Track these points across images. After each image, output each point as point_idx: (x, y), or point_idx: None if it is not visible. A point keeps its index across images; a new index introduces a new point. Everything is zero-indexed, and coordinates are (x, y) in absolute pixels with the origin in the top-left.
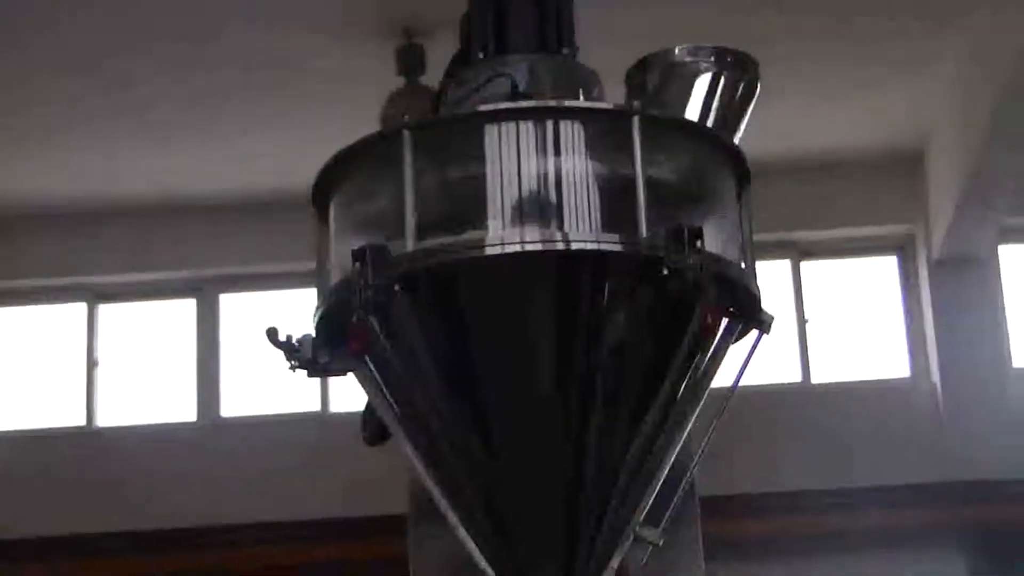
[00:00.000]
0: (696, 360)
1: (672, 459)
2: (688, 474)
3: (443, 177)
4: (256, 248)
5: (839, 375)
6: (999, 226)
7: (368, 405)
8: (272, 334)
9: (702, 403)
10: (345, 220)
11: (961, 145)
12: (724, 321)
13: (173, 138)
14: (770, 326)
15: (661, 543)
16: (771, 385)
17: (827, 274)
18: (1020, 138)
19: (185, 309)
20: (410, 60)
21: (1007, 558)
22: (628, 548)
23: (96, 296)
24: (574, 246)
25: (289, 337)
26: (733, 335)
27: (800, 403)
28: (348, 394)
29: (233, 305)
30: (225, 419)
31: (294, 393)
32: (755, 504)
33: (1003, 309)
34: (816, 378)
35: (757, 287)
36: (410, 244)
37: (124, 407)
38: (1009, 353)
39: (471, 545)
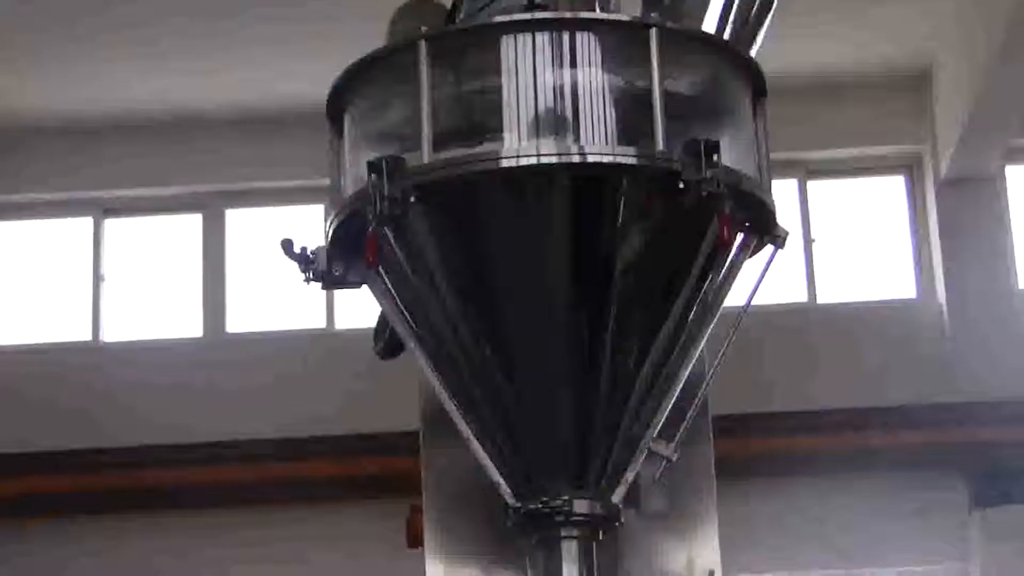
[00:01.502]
0: (711, 275)
1: (686, 375)
2: (702, 389)
3: (459, 89)
4: (261, 164)
5: (846, 295)
6: (1006, 146)
7: (380, 319)
8: (287, 245)
9: (716, 319)
10: (360, 132)
11: (968, 65)
12: (740, 235)
13: (178, 53)
14: (784, 241)
15: (675, 458)
16: (778, 305)
17: (834, 194)
18: None
19: (191, 225)
20: None
21: (1010, 478)
22: (642, 463)
23: (102, 211)
24: (590, 159)
25: (304, 249)
26: (748, 250)
27: (806, 323)
28: (353, 311)
29: (239, 221)
30: (231, 335)
31: (300, 311)
32: (761, 424)
33: (1010, 230)
34: (822, 298)
35: (772, 202)
36: (426, 156)
37: (130, 322)
38: (1016, 273)
39: (484, 459)
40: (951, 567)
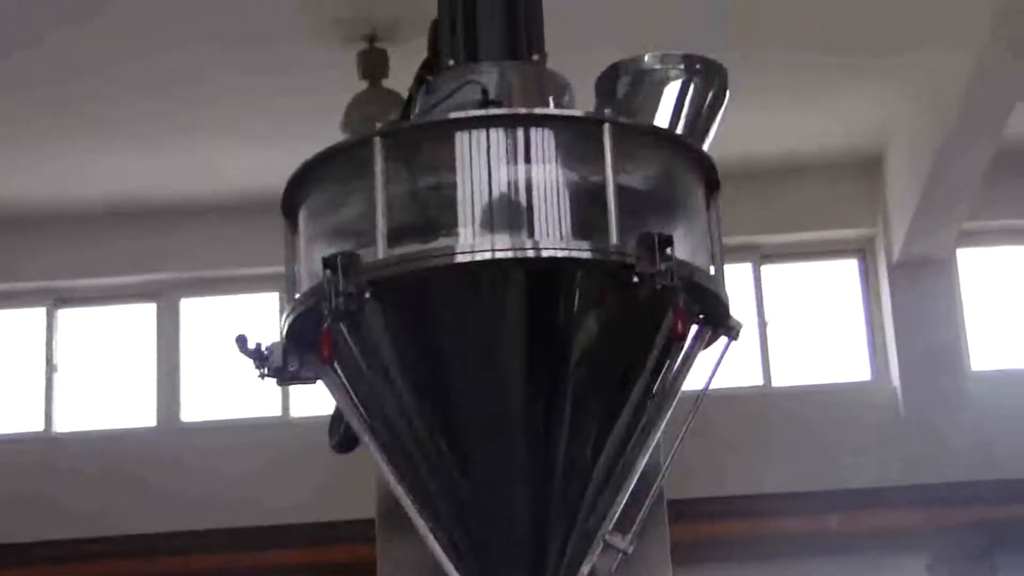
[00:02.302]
0: (666, 367)
1: (643, 465)
2: (658, 481)
3: (414, 184)
4: (216, 253)
5: (800, 378)
6: (958, 230)
7: (336, 413)
8: (242, 342)
9: (672, 408)
10: (315, 227)
11: (919, 149)
12: (694, 328)
13: (135, 143)
14: (739, 333)
15: (631, 551)
16: (732, 388)
17: (788, 277)
18: (976, 144)
19: (145, 314)
20: (373, 64)
21: (967, 560)
22: (597, 556)
23: (56, 300)
24: (544, 254)
25: (258, 345)
26: (702, 342)
27: (761, 406)
28: (310, 399)
29: (193, 310)
30: (185, 423)
31: (255, 398)
32: (717, 508)
33: (962, 312)
34: (777, 381)
35: (726, 294)
36: (381, 251)
37: (83, 412)
38: (968, 355)
39: (439, 552)
40: None
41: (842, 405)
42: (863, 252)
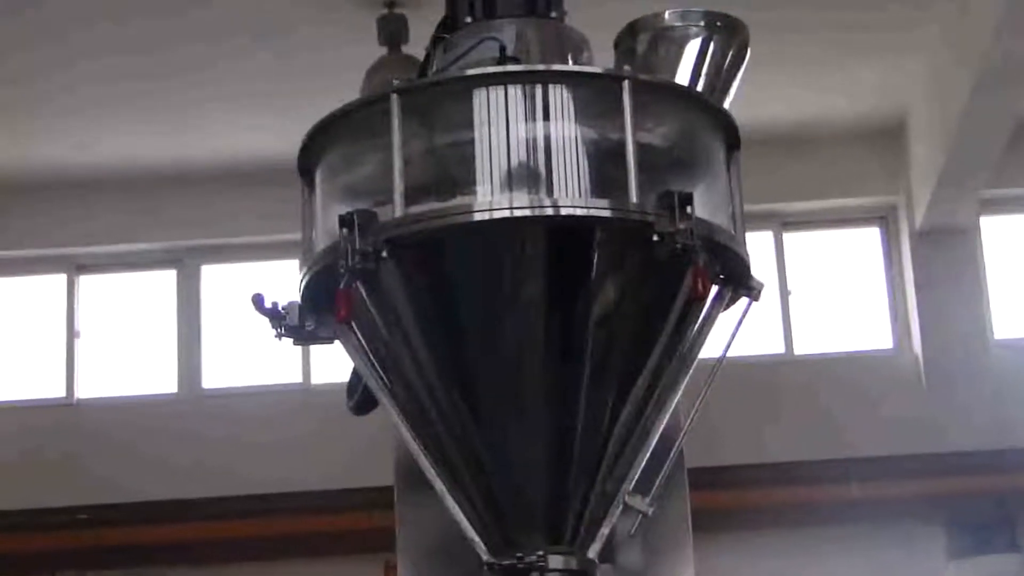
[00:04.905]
0: (685, 328)
1: (661, 428)
2: (677, 443)
3: (431, 142)
4: (238, 219)
5: (822, 347)
6: (981, 197)
7: (354, 374)
8: (258, 301)
9: (692, 371)
10: (332, 186)
11: (942, 117)
12: (714, 288)
13: (154, 108)
14: (759, 293)
15: (650, 512)
16: (754, 357)
17: (810, 245)
18: (998, 110)
19: (166, 281)
20: (392, 29)
21: (986, 529)
22: (617, 517)
23: (77, 267)
24: (563, 212)
25: (275, 304)
26: (723, 302)
27: (783, 375)
28: (330, 366)
29: (215, 276)
30: (206, 390)
31: (276, 366)
32: (738, 476)
33: (984, 280)
34: (799, 350)
35: (747, 253)
36: (398, 210)
37: (104, 379)
38: (990, 324)
39: (458, 514)
40: None
41: (863, 374)
42: (885, 220)
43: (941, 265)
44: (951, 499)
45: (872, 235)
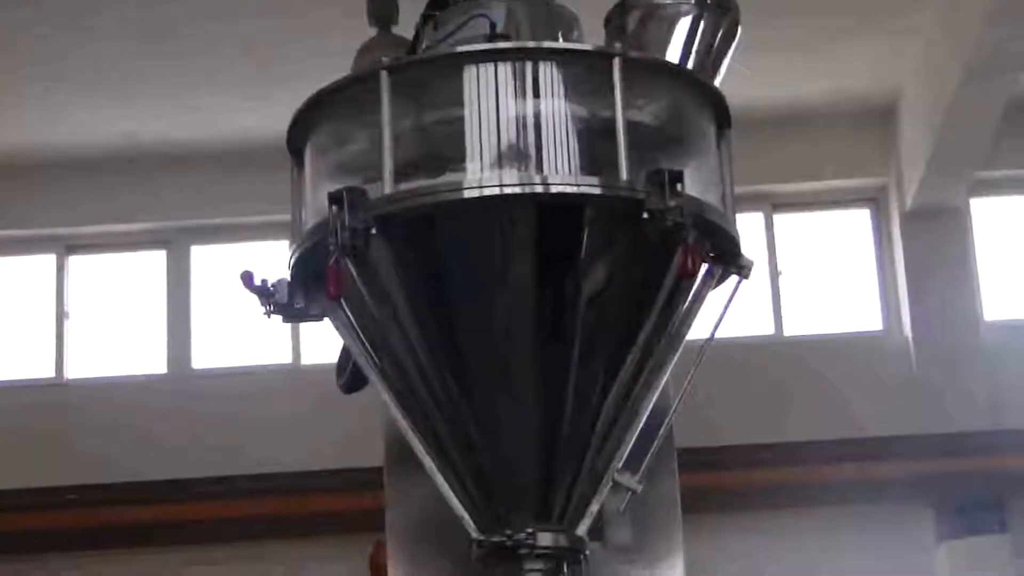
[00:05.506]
0: (675, 306)
1: (651, 406)
2: (667, 420)
3: (420, 119)
4: (227, 200)
5: (812, 328)
6: (971, 179)
7: (343, 354)
8: (247, 278)
9: (680, 349)
10: (321, 164)
11: (933, 98)
12: (704, 265)
13: (143, 89)
14: (749, 271)
15: (640, 490)
16: (744, 337)
17: (800, 226)
18: (989, 92)
19: (155, 261)
20: (383, 9)
21: (976, 509)
22: (607, 495)
23: (66, 248)
24: (553, 189)
25: (264, 282)
26: (712, 280)
27: (773, 355)
28: (320, 346)
29: (204, 257)
30: (196, 371)
31: (266, 347)
32: (726, 456)
33: (974, 261)
34: (789, 331)
35: (737, 231)
36: (387, 187)
37: (93, 359)
38: (980, 305)
39: (447, 492)
40: None
41: (854, 355)
42: (875, 201)
43: (931, 246)
44: (941, 480)
45: (863, 216)
